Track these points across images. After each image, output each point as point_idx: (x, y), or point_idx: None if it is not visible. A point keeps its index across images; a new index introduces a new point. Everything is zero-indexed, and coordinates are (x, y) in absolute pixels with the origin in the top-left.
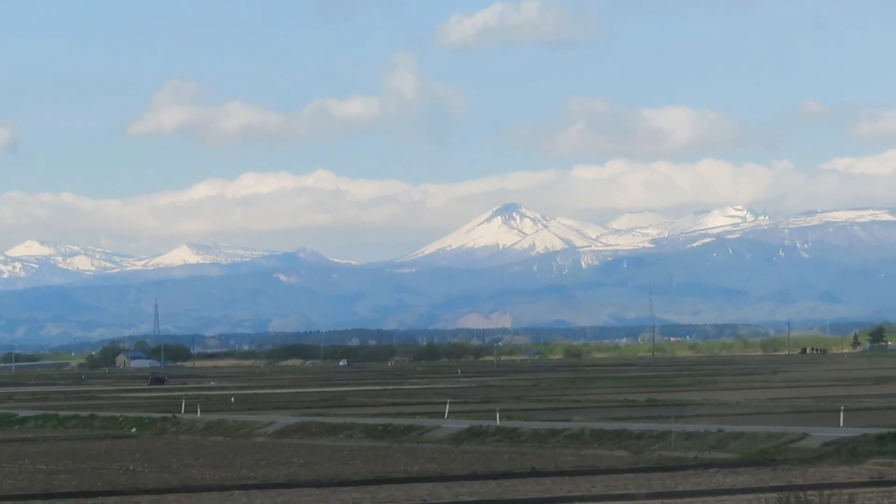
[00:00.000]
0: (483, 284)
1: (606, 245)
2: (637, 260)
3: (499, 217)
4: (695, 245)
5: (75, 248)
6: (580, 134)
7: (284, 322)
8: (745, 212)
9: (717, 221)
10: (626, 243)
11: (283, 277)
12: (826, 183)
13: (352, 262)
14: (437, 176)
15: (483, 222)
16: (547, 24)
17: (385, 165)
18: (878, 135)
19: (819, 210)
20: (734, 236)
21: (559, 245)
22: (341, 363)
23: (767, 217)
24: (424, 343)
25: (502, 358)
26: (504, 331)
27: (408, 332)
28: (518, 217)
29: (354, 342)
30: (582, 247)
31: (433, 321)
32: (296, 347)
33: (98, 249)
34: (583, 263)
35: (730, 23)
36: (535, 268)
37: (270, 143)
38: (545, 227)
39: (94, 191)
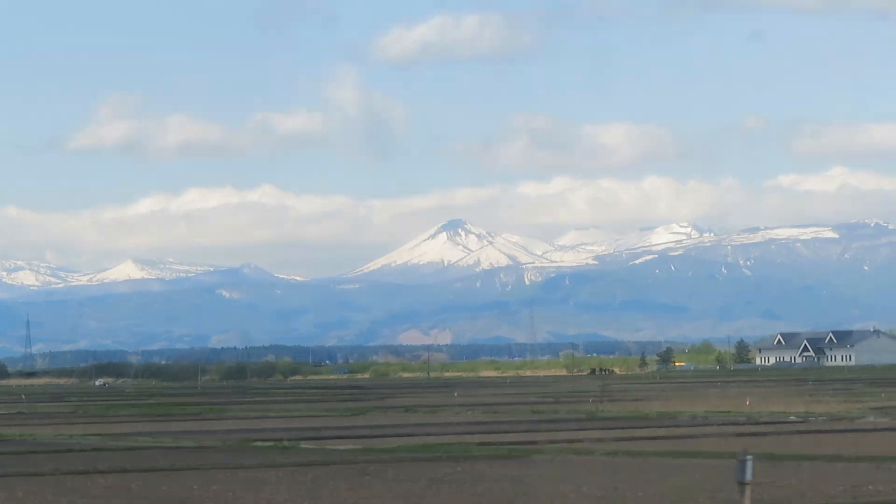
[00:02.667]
0: (426, 300)
1: (551, 261)
2: (580, 277)
3: (444, 233)
4: (638, 262)
5: (20, 262)
6: (523, 150)
7: (225, 338)
8: (689, 228)
9: (661, 238)
10: (570, 260)
11: (225, 293)
12: (770, 200)
13: (297, 277)
14: (382, 191)
15: (428, 238)
16: (487, 39)
17: (330, 180)
18: (820, 151)
19: (762, 227)
20: (677, 253)
21: (504, 261)
22: (97, 383)
23: (712, 234)
24: (234, 363)
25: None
26: (430, 347)
27: (346, 349)
28: (463, 233)
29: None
30: (526, 263)
31: (373, 337)
32: (108, 366)
33: (43, 264)
34: (526, 280)
35: (669, 36)
36: (478, 284)
37: (214, 157)
38: (490, 243)
39: (37, 204)
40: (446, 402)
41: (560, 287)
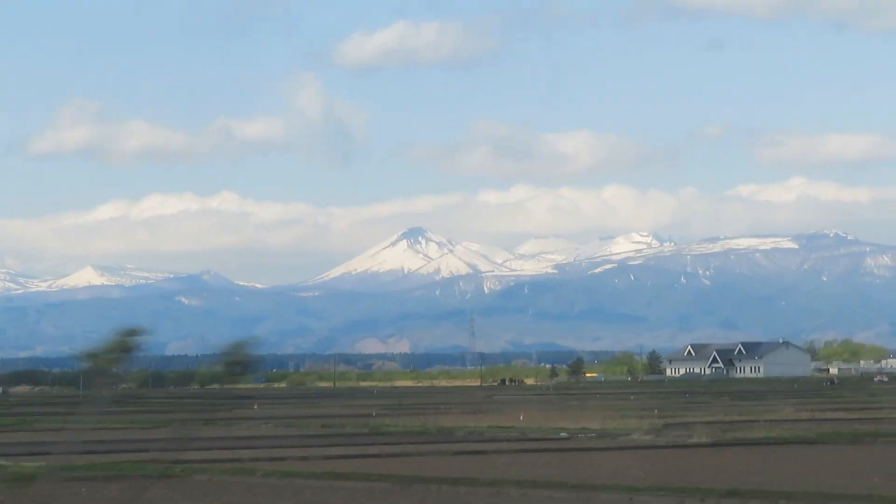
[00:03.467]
0: (385, 308)
1: (511, 270)
2: (539, 286)
3: (405, 241)
4: (597, 271)
5: None
6: (483, 157)
7: (182, 345)
8: (650, 238)
9: (622, 247)
10: (530, 269)
11: (185, 300)
12: (730, 210)
13: (257, 284)
14: (343, 199)
15: (389, 246)
16: (447, 46)
17: (290, 187)
18: (780, 161)
19: (722, 237)
20: (637, 262)
21: (464, 270)
22: None
23: (672, 243)
24: (150, 371)
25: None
26: (384, 356)
27: (301, 356)
28: (424, 241)
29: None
30: (486, 272)
31: (331, 345)
32: (25, 374)
33: (2, 270)
34: (486, 288)
35: (628, 44)
36: (437, 292)
37: (174, 163)
38: (451, 251)
39: None
40: (261, 414)
41: (519, 296)
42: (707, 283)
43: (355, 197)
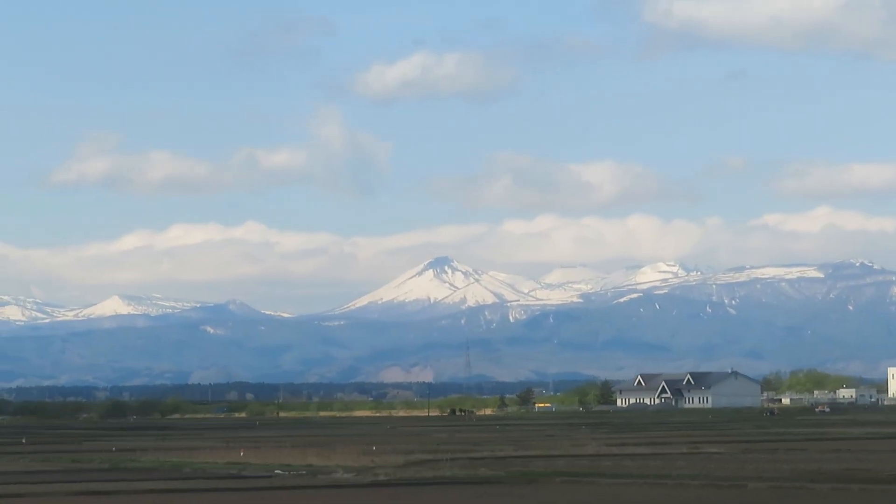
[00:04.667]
0: (410, 338)
1: (537, 299)
2: (564, 315)
3: (430, 270)
4: (622, 300)
5: (6, 297)
6: (506, 188)
7: (206, 374)
8: (676, 267)
9: (648, 277)
10: (556, 298)
11: (210, 329)
12: (755, 239)
13: (283, 314)
14: (367, 229)
15: (415, 275)
16: (468, 77)
17: (314, 217)
18: (804, 191)
19: (748, 266)
20: (662, 292)
21: (490, 299)
22: None
23: (699, 272)
24: (112, 399)
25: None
26: (400, 385)
27: (327, 385)
28: (450, 270)
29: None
30: (511, 301)
31: (355, 374)
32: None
33: (29, 300)
34: (511, 318)
35: (648, 74)
36: (463, 321)
37: (198, 193)
38: (477, 280)
39: (20, 240)
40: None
41: (544, 325)
42: (733, 312)
43: (379, 227)
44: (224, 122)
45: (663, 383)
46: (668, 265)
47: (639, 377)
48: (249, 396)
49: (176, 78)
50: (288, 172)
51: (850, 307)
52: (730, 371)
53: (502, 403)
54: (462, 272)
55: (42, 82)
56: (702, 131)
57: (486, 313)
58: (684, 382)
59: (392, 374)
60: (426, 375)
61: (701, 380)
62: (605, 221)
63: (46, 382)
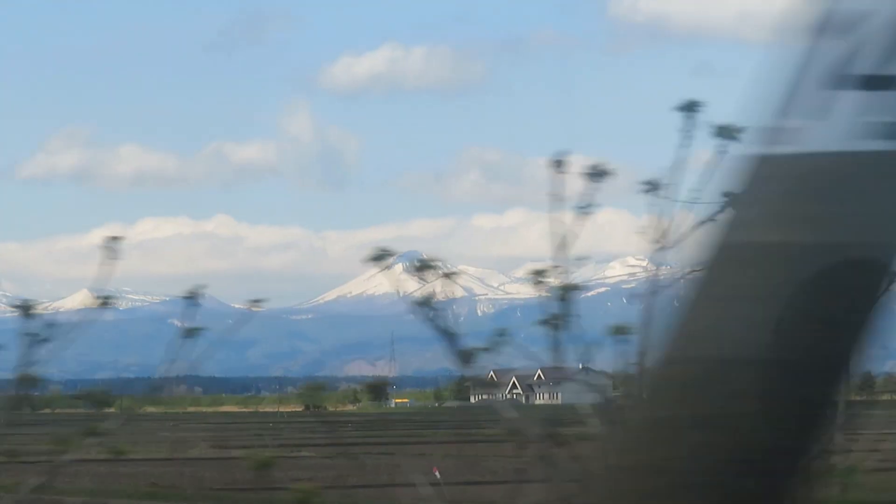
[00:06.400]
0: (378, 331)
1: (507, 294)
2: (532, 309)
3: (400, 264)
4: (590, 294)
5: None
6: (476, 182)
7: (171, 367)
8: (646, 262)
9: (617, 271)
10: (525, 292)
11: (177, 323)
12: None
13: (252, 308)
14: (338, 223)
15: (384, 269)
16: (436, 71)
17: (285, 211)
18: None
19: None
20: (631, 286)
21: (460, 293)
22: None
23: (669, 267)
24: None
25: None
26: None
27: (289, 379)
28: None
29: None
30: (480, 295)
31: (321, 368)
32: None
33: None
34: (479, 312)
35: (617, 68)
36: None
37: (168, 187)
38: (447, 275)
39: None
40: None
41: (511, 319)
42: None
43: (349, 221)
44: (194, 116)
45: (514, 379)
46: (637, 259)
47: (491, 373)
48: (198, 390)
49: (145, 73)
50: (258, 166)
51: None
52: (581, 366)
53: (355, 398)
54: (432, 266)
55: (11, 76)
56: (670, 125)
57: (455, 307)
58: (535, 378)
59: (357, 368)
60: (392, 369)
61: (552, 375)
62: (575, 216)
63: (10, 375)
